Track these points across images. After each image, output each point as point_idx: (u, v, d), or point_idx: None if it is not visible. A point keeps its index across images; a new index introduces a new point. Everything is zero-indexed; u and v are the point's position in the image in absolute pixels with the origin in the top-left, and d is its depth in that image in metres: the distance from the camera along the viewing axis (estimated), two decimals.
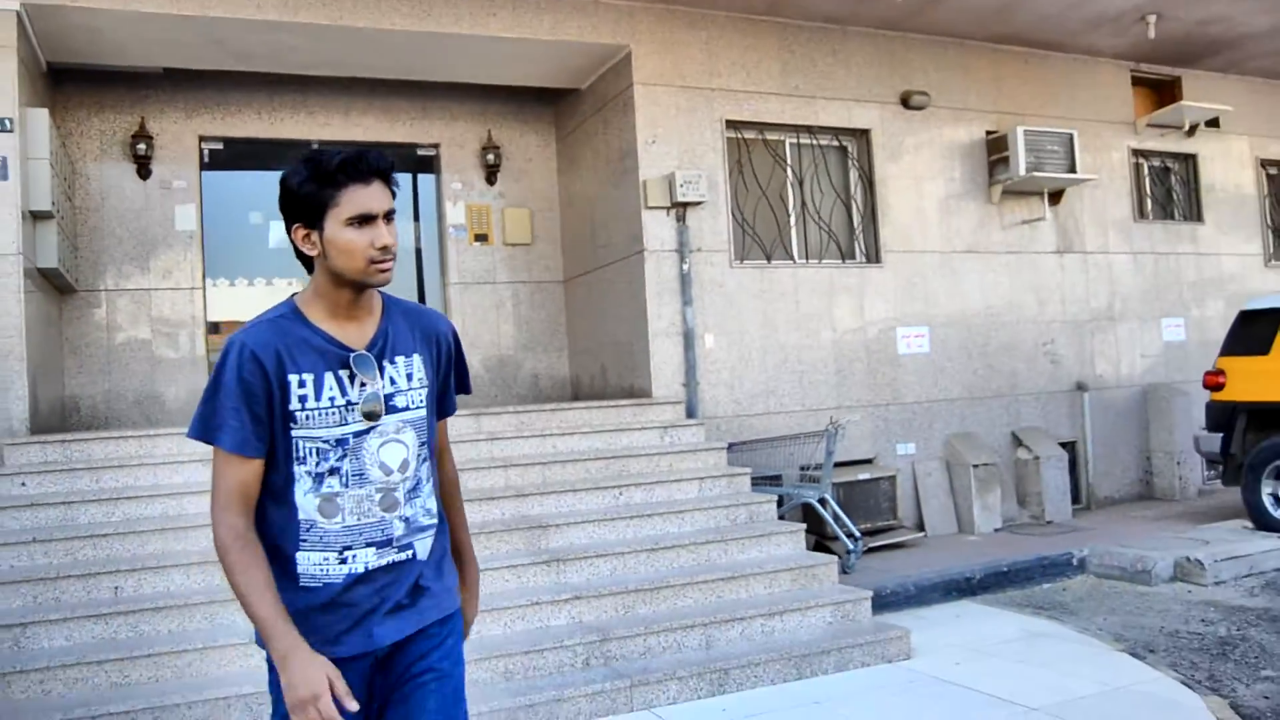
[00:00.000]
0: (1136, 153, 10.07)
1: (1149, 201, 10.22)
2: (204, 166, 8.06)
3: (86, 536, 5.14)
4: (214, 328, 8.15)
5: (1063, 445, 9.12)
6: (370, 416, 2.09)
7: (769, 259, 8.16)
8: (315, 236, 2.07)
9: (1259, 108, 10.80)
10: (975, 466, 8.40)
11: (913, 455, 8.47)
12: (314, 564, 2.08)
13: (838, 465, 7.79)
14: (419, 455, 2.17)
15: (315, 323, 2.11)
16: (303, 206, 2.07)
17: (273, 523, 2.09)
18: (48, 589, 4.85)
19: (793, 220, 8.36)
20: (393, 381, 2.14)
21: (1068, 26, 8.97)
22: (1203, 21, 9.11)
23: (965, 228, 8.91)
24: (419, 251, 8.90)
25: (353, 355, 2.09)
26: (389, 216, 2.09)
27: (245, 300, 8.35)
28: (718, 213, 7.85)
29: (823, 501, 7.16)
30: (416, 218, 8.90)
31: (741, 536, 5.90)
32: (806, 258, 8.34)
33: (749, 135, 8.19)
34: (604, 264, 8.24)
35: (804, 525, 6.20)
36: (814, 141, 8.48)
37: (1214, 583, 6.68)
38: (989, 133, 9.06)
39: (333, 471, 2.08)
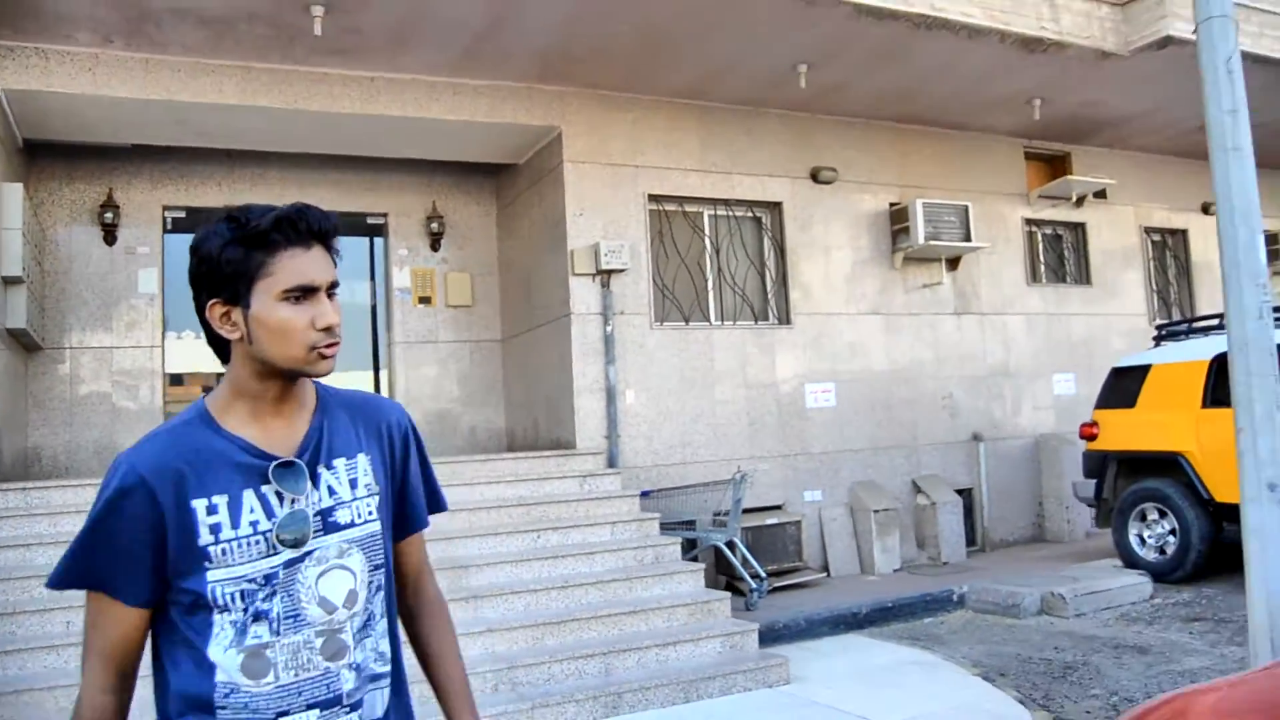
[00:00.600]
0: (1030, 221, 10.98)
1: (1042, 266, 11.12)
2: (166, 231, 8.70)
3: (42, 576, 5.71)
4: (176, 379, 8.75)
5: (960, 492, 9.90)
6: (294, 545, 1.64)
7: (687, 321, 8.91)
8: (238, 315, 1.64)
9: (1142, 180, 11.78)
10: (876, 512, 9.13)
11: (819, 501, 9.19)
12: None
13: (749, 511, 8.50)
14: (370, 583, 1.72)
15: (231, 429, 1.66)
16: (222, 277, 1.63)
17: (176, 691, 1.61)
18: (4, 624, 5.41)
19: (710, 285, 9.12)
20: (332, 492, 1.70)
21: (965, 108, 9.86)
22: (1084, 104, 10.04)
23: (870, 291, 9.72)
24: (374, 309, 9.56)
25: (271, 466, 1.65)
26: (332, 290, 1.67)
27: (204, 354, 8.97)
28: (640, 278, 8.59)
29: (730, 545, 7.85)
30: (372, 277, 9.58)
31: (646, 575, 6.58)
32: (722, 319, 9.09)
33: (670, 208, 8.96)
34: (537, 325, 8.94)
35: (703, 565, 6.88)
36: (730, 213, 9.27)
37: (1075, 615, 7.43)
38: (892, 204, 9.91)
39: (258, 617, 1.61)
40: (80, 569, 1.59)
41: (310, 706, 1.63)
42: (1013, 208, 10.78)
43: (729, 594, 6.61)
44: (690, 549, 7.75)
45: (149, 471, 1.59)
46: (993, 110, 9.93)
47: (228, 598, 1.59)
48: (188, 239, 8.54)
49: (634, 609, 6.21)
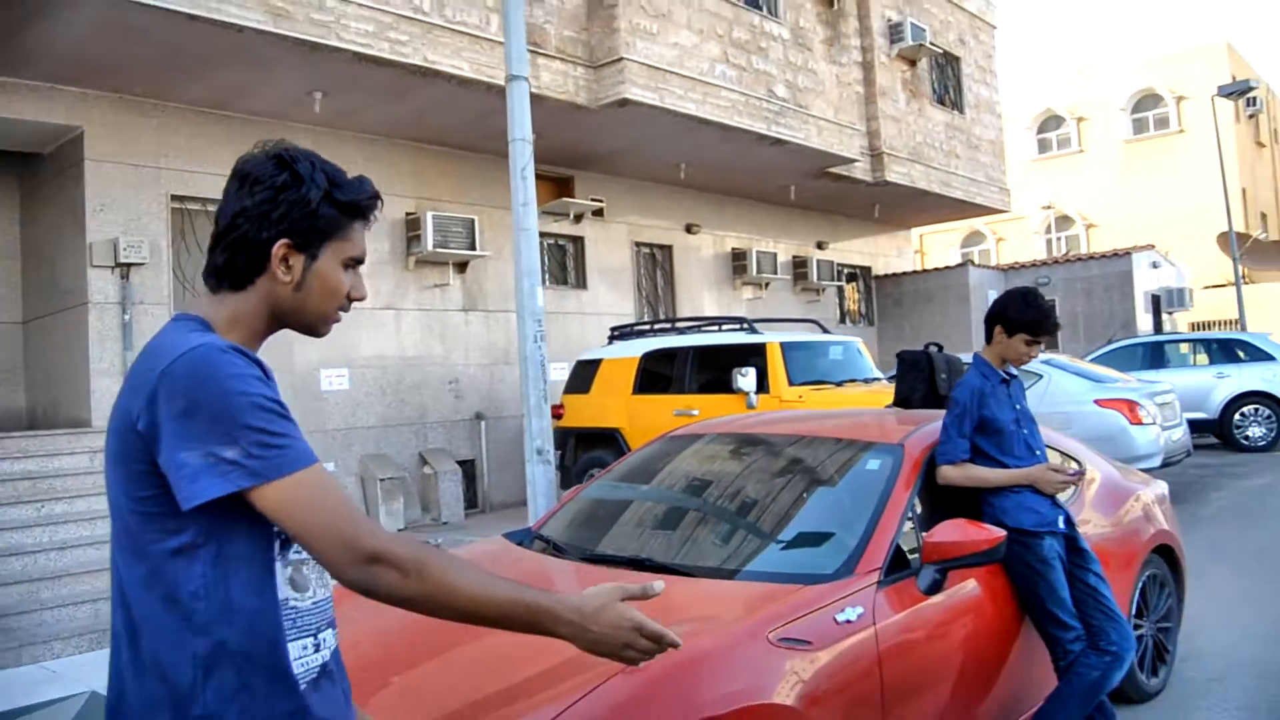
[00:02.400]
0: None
1: (547, 273, 13.40)
2: None
3: None
4: None
5: (463, 463, 11.87)
6: None
7: None
8: (297, 262, 1.70)
9: (635, 202, 14.48)
10: (382, 480, 10.83)
11: (334, 472, 10.72)
12: (297, 659, 1.60)
13: None
14: None
15: None
16: (308, 227, 1.69)
17: (241, 608, 1.55)
18: None
19: None
20: None
21: (475, 136, 11.77)
22: (576, 140, 12.35)
23: (385, 289, 11.38)
24: None
25: None
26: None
27: None
28: (160, 272, 9.60)
29: None
30: None
31: None
32: None
33: (194, 207, 10.02)
34: (58, 310, 9.64)
35: None
36: None
37: None
38: (408, 214, 11.62)
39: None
40: (295, 436, 1.55)
41: (329, 625, 1.68)
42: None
43: None
44: None
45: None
46: (496, 139, 11.93)
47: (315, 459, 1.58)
48: None
49: None
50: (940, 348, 5.27)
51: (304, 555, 1.62)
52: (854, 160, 14.46)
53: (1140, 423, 10.30)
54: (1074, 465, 4.72)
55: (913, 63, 16.66)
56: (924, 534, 3.47)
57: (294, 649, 1.59)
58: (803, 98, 13.34)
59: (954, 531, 3.41)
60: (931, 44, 16.66)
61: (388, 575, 1.51)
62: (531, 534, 4.43)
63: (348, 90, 9.85)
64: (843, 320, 19.03)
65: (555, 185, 13.59)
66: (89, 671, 6.10)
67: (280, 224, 1.67)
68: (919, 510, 3.76)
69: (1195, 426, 15.35)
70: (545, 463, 5.70)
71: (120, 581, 1.60)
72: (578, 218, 13.58)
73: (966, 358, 5.04)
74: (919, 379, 4.86)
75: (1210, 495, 11.21)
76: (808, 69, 13.59)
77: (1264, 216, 35.89)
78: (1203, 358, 16.37)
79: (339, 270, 1.74)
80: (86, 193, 9.27)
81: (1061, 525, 3.86)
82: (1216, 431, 15.54)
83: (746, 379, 9.07)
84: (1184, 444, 11.29)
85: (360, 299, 1.79)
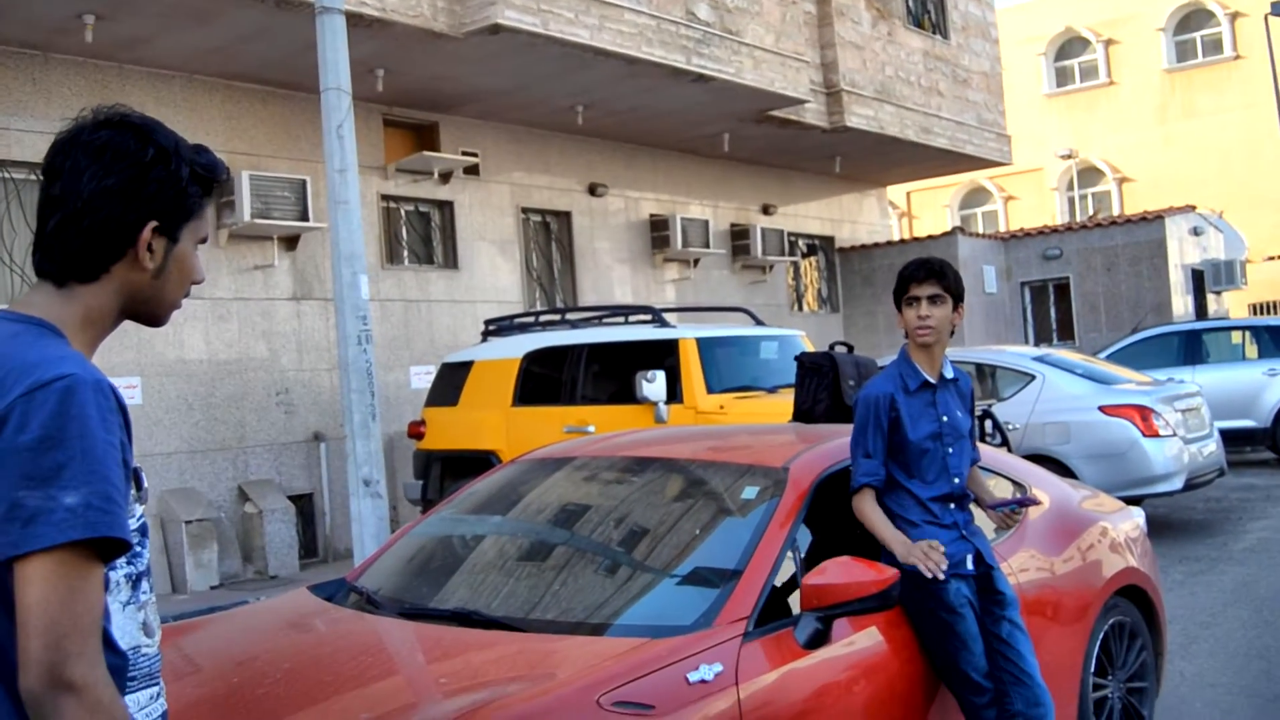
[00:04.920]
0: (388, 198, 13.41)
1: (403, 249, 13.61)
2: None
3: None
4: None
5: (297, 498, 12.03)
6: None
7: None
8: (160, 246, 1.95)
9: (521, 156, 14.74)
10: (189, 523, 10.95)
11: None
12: (142, 708, 1.92)
13: None
14: None
15: None
16: (175, 206, 1.94)
17: None
18: None
19: None
20: None
21: (301, 70, 11.86)
22: (435, 78, 12.56)
23: None
24: None
25: None
26: None
27: None
28: None
29: None
30: None
31: None
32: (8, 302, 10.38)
33: None
34: None
35: None
36: (8, 175, 10.56)
37: None
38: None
39: (142, 570, 1.94)
40: (117, 503, 1.74)
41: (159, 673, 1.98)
42: (368, 183, 13.08)
43: None
44: None
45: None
46: None
47: (133, 541, 1.81)
48: None
49: None
50: (850, 348, 5.62)
51: (150, 597, 1.91)
52: (803, 101, 14.89)
53: (1156, 434, 10.80)
54: (1015, 493, 5.07)
55: None
56: (804, 576, 3.78)
57: (141, 698, 1.89)
58: (733, 20, 13.73)
59: (838, 572, 3.71)
60: None
61: (74, 712, 1.65)
62: (345, 585, 4.67)
63: (130, 12, 9.95)
64: (798, 306, 19.53)
65: (414, 135, 13.80)
66: None
67: (151, 204, 1.91)
68: (810, 547, 4.07)
69: (1243, 438, 16.01)
70: (375, 496, 5.95)
71: None
72: (444, 176, 13.81)
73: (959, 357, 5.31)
74: (821, 386, 5.19)
75: (1249, 525, 11.77)
76: None
77: None
78: (1254, 350, 17.00)
79: (194, 252, 2.01)
80: None
81: (970, 565, 4.19)
82: (1270, 443, 16.10)
83: (653, 385, 9.37)
84: (1216, 461, 11.84)
85: (200, 282, 2.06)
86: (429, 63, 11.99)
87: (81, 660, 1.65)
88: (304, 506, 12.21)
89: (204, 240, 2.05)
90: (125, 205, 1.89)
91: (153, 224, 1.91)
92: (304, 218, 11.88)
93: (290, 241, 12.27)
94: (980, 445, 4.75)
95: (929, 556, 3.96)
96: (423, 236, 13.93)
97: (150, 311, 2.00)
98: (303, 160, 12.41)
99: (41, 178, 1.96)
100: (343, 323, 6.10)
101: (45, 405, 1.69)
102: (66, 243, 1.89)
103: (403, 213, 13.65)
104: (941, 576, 3.96)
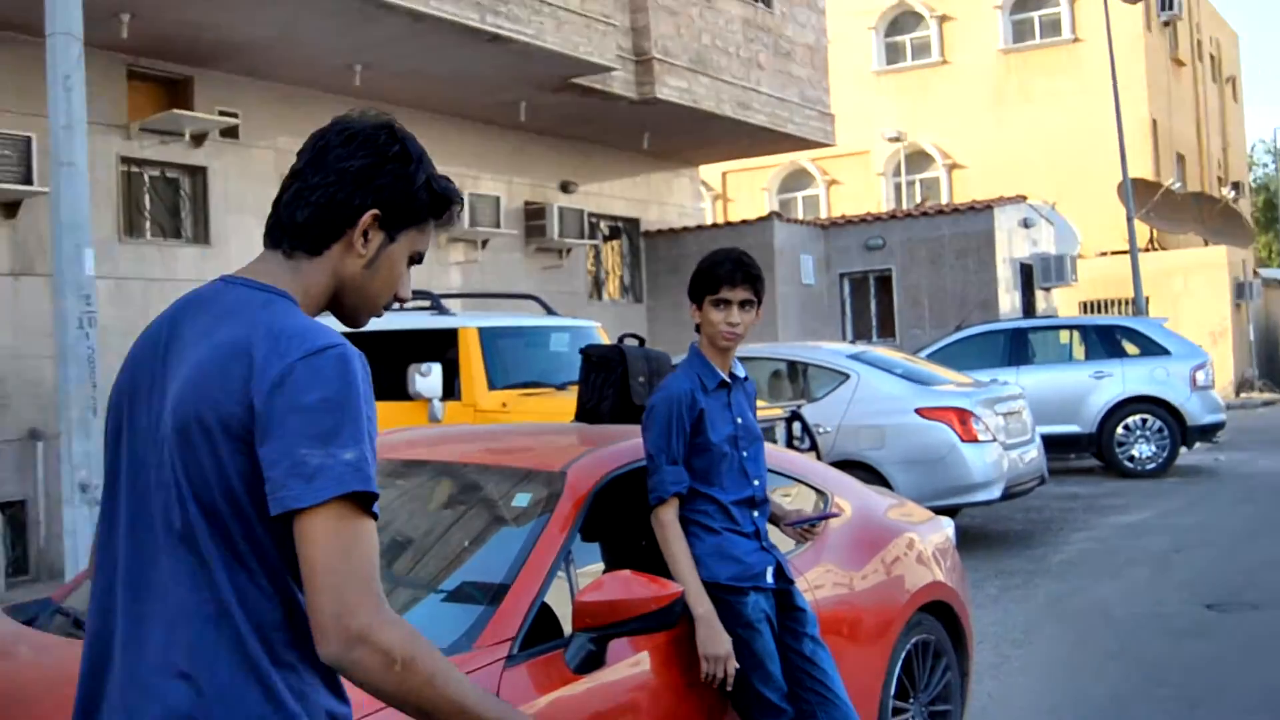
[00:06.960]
0: (131, 161, 13.00)
1: (146, 219, 13.22)
2: None
3: None
4: None
5: (7, 505, 11.57)
6: None
7: None
8: (376, 240, 2.25)
9: (287, 118, 14.44)
10: None
11: None
12: None
13: None
14: None
15: None
16: (405, 205, 2.26)
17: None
18: None
19: None
20: None
21: (25, 9, 11.42)
22: (191, 25, 12.22)
23: None
24: None
25: None
26: None
27: None
28: None
29: None
30: None
31: None
32: None
33: None
34: None
35: None
36: None
37: None
38: None
39: None
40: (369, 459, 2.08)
41: None
42: (107, 143, 12.66)
43: None
44: None
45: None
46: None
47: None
48: None
49: None
50: (641, 341, 5.69)
51: None
52: (609, 69, 14.99)
53: (975, 439, 11.22)
54: (818, 502, 5.22)
55: None
56: (577, 593, 3.82)
57: None
58: None
59: (615, 587, 3.75)
60: None
61: (371, 660, 1.94)
62: (50, 606, 4.51)
63: None
64: (598, 295, 19.64)
65: (164, 90, 13.41)
66: None
67: (379, 193, 2.22)
68: (590, 559, 4.10)
69: (1068, 443, 16.75)
70: (92, 503, 5.76)
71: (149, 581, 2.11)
72: (198, 139, 13.45)
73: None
74: (608, 383, 5.24)
75: (1070, 536, 12.36)
76: None
77: (1181, 159, 39.04)
78: (1082, 351, 17.78)
79: (404, 261, 2.31)
80: None
81: (770, 579, 4.29)
82: (1095, 450, 16.87)
83: (428, 380, 9.32)
84: (1036, 468, 12.38)
85: (405, 301, 2.40)
86: (184, 6, 11.67)
87: (362, 610, 1.93)
88: (15, 516, 11.75)
89: (417, 260, 2.34)
90: (356, 188, 2.20)
91: (374, 212, 2.21)
92: (27, 181, 11.43)
93: (10, 208, 11.78)
94: (783, 449, 4.86)
95: (721, 664, 4.02)
96: (170, 207, 13.55)
97: (353, 303, 2.30)
98: (30, 115, 11.89)
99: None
100: (61, 302, 5.90)
101: (324, 369, 2.02)
102: (295, 213, 2.20)
103: (147, 178, 13.24)
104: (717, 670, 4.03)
